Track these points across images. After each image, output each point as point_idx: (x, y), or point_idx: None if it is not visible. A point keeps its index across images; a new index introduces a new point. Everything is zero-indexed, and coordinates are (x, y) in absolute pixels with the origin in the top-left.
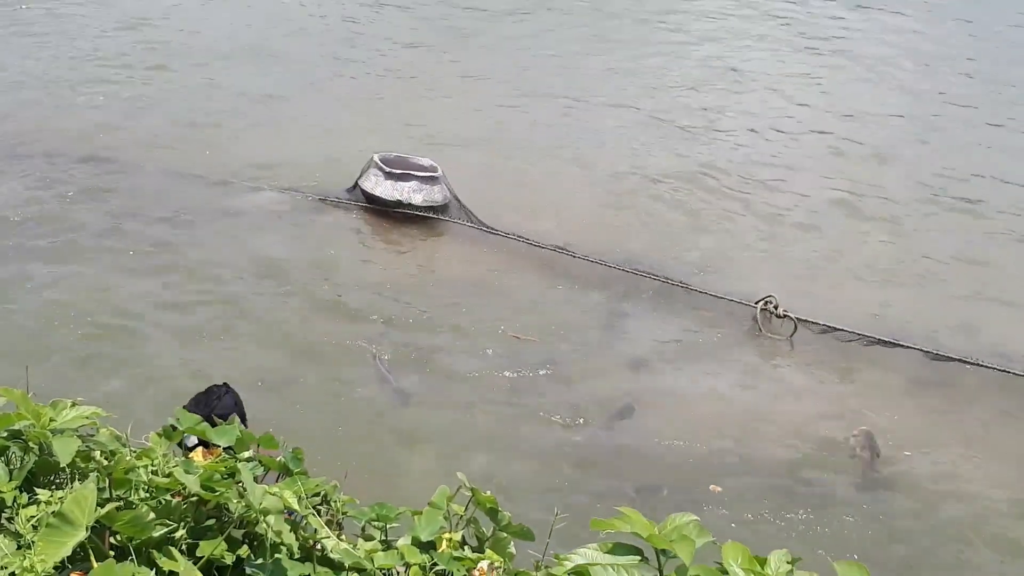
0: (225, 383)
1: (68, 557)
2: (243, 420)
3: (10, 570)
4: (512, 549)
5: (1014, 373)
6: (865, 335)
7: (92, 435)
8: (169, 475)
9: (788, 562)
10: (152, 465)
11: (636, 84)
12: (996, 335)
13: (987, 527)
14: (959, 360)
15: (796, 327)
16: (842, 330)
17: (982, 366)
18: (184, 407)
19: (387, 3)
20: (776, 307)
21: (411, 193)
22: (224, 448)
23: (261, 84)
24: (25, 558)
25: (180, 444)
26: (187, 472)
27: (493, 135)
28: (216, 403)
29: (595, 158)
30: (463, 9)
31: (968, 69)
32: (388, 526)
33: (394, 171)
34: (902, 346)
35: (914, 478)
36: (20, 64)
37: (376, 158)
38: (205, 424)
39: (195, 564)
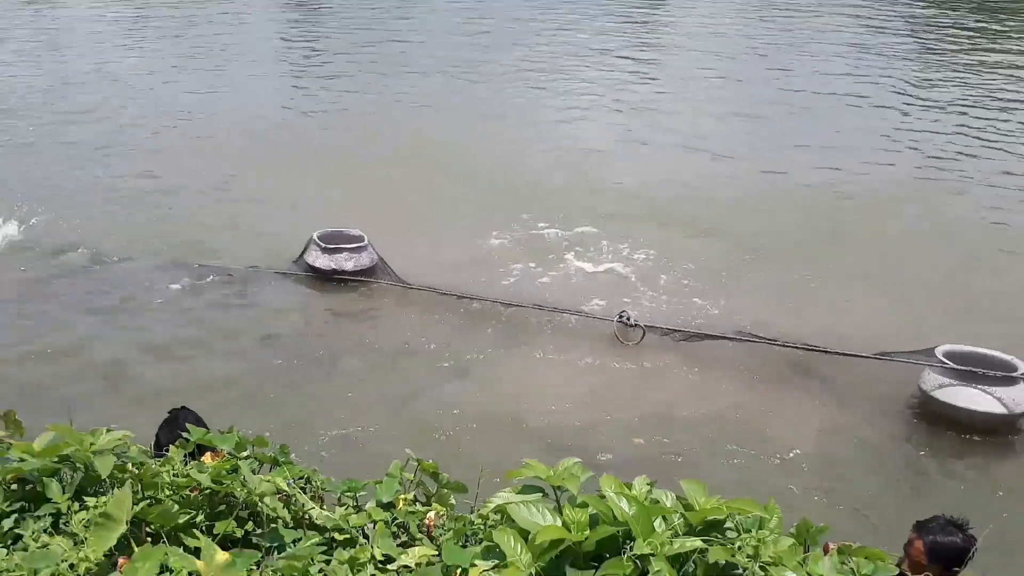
0: (183, 406)
1: (114, 546)
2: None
3: (70, 561)
4: (452, 500)
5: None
6: (691, 331)
7: (124, 452)
8: (187, 476)
9: (648, 484)
10: (173, 470)
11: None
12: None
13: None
14: (767, 341)
15: (644, 333)
16: (678, 330)
17: (788, 346)
18: (157, 433)
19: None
20: (629, 318)
21: (343, 262)
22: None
23: (201, 166)
24: (80, 551)
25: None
26: (200, 472)
27: (411, 202)
28: (183, 422)
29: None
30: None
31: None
32: (357, 495)
33: (328, 246)
34: (726, 338)
35: (739, 437)
36: None
37: (315, 236)
38: (213, 434)
39: (213, 540)
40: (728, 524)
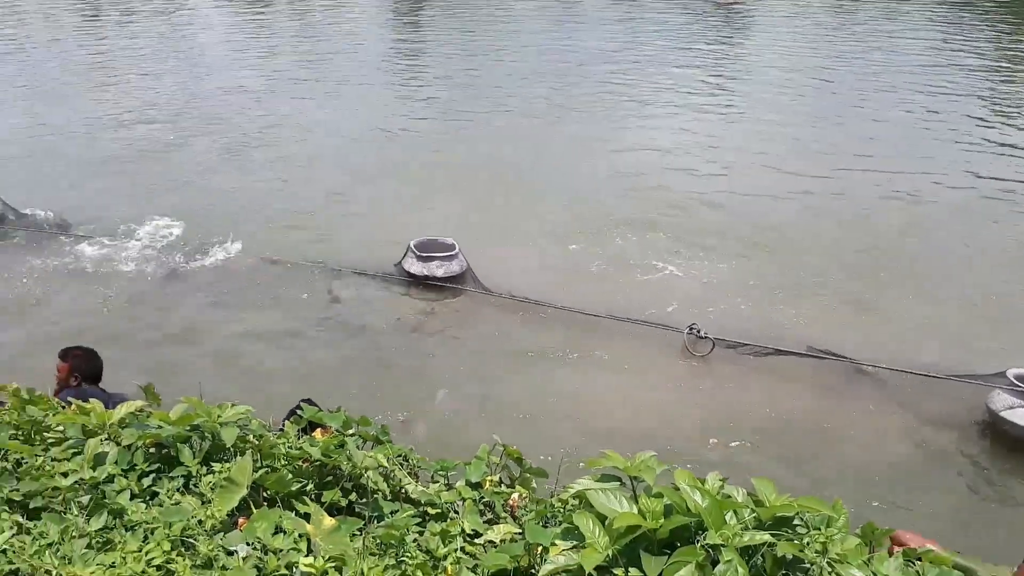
0: (308, 398)
1: (235, 507)
2: None
3: (198, 518)
4: (534, 484)
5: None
6: (760, 346)
7: (246, 425)
8: (300, 448)
9: (720, 480)
10: (288, 443)
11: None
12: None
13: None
14: (835, 357)
15: (713, 345)
16: (747, 344)
17: (855, 363)
18: (284, 420)
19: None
20: (699, 331)
21: (435, 269)
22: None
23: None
24: (207, 509)
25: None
26: (312, 445)
27: (493, 216)
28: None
29: (562, 228)
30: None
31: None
32: (448, 474)
33: (423, 254)
34: (796, 354)
35: (807, 443)
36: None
37: (412, 244)
38: (323, 412)
39: (321, 507)
40: (796, 521)
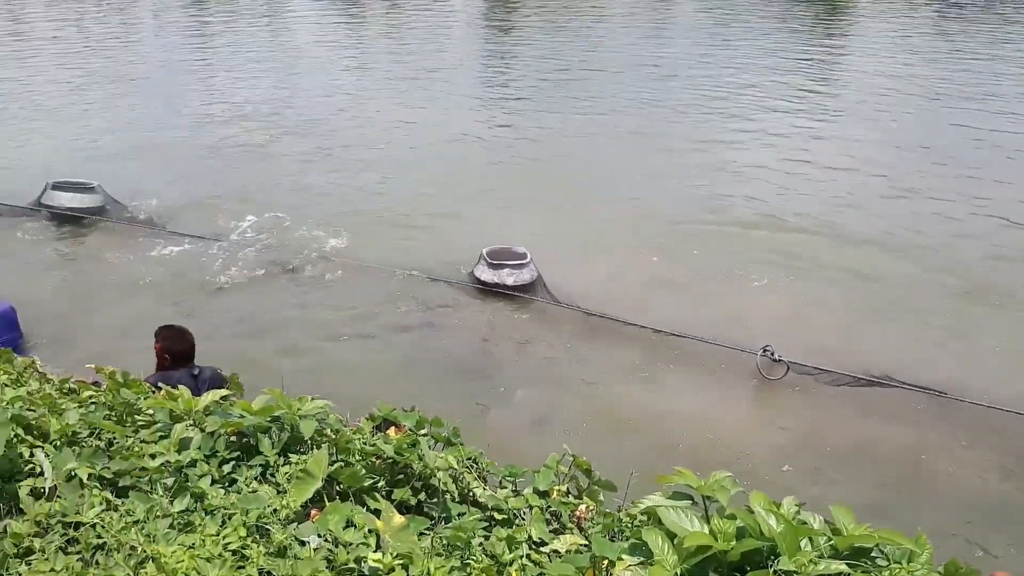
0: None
1: (310, 499)
2: None
3: (274, 507)
4: (601, 497)
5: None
6: (839, 372)
7: (324, 419)
8: (374, 445)
9: (796, 505)
10: (363, 439)
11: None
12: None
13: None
14: (921, 389)
15: (788, 369)
16: (824, 370)
17: (944, 395)
18: None
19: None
20: (773, 353)
21: (505, 277)
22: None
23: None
24: (283, 499)
25: None
26: (385, 443)
27: (574, 229)
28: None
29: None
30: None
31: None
32: (517, 480)
33: (494, 262)
34: (879, 383)
35: (889, 475)
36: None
37: (484, 252)
38: (397, 410)
39: (391, 504)
40: (875, 553)
